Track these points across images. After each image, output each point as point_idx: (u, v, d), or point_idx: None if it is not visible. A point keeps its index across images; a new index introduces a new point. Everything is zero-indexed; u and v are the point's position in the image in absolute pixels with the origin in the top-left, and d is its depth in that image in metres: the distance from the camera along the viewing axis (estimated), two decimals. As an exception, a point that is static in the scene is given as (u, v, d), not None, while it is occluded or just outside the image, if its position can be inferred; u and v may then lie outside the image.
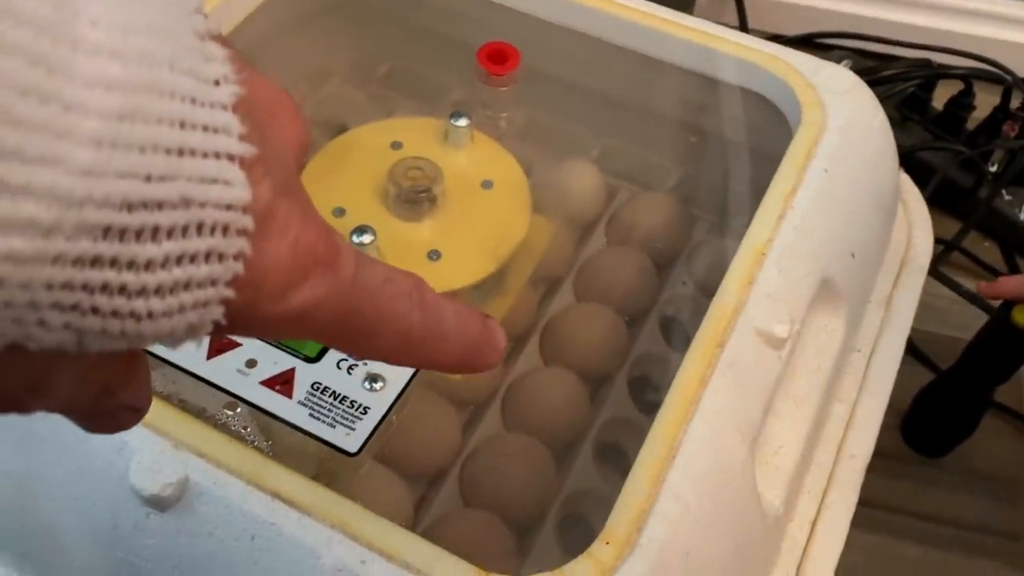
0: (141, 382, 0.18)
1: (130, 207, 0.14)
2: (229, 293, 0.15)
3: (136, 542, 0.31)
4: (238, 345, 0.37)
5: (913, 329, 0.47)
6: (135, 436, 0.31)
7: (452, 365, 0.21)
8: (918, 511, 0.54)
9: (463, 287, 0.42)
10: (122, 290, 0.14)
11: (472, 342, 0.21)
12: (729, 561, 0.33)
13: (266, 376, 0.36)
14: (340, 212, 0.43)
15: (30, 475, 0.33)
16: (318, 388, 0.36)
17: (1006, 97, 0.68)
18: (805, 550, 0.39)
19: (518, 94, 0.49)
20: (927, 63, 0.73)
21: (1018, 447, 0.57)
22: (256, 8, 0.48)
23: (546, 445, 0.41)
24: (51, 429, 0.33)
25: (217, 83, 0.15)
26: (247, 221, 0.15)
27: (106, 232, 0.14)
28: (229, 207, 0.15)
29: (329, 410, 0.36)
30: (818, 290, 0.39)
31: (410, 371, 0.37)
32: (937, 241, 0.52)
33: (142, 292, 0.14)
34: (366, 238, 0.40)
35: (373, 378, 0.37)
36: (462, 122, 0.46)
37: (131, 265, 0.14)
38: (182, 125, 0.14)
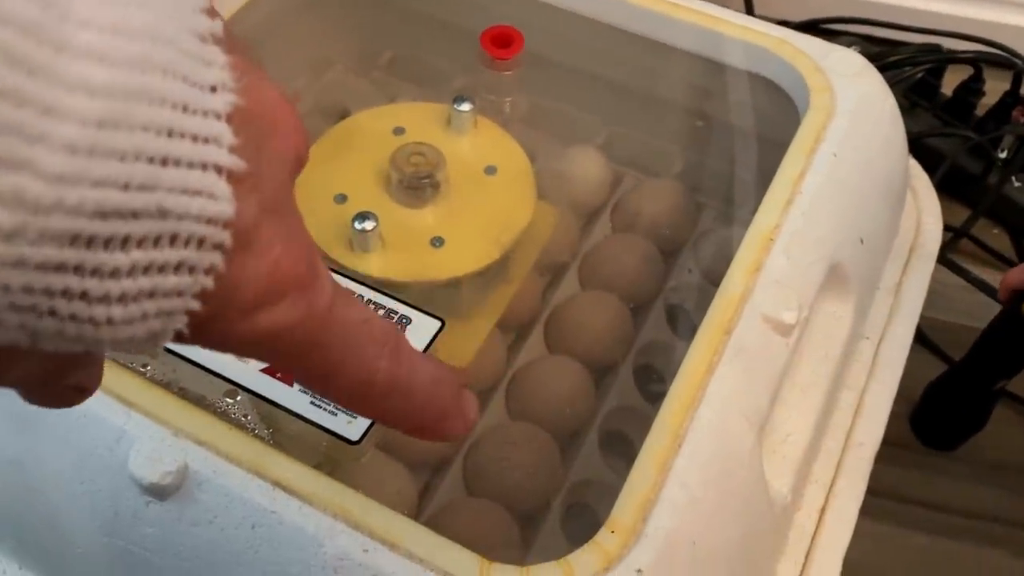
0: (93, 366, 0.17)
1: (103, 215, 0.13)
2: (195, 305, 0.15)
3: (136, 531, 0.31)
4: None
5: (921, 316, 0.47)
6: (135, 424, 0.31)
7: (412, 427, 0.20)
8: (927, 500, 0.54)
9: (466, 274, 0.41)
10: (83, 296, 0.14)
11: (440, 407, 0.20)
12: (736, 550, 0.33)
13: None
14: (342, 198, 0.43)
15: (30, 464, 0.33)
16: (320, 376, 0.36)
17: (1016, 83, 0.67)
18: (813, 539, 0.38)
19: (522, 79, 0.49)
20: (936, 48, 0.72)
21: (1028, 436, 0.57)
22: (258, -7, 0.47)
23: (551, 434, 0.41)
24: (51, 418, 0.32)
25: (214, 89, 0.14)
26: (225, 236, 0.15)
27: (73, 239, 0.13)
28: (209, 221, 0.14)
29: (331, 398, 0.35)
30: (826, 276, 0.39)
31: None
32: (946, 228, 0.51)
33: (104, 299, 0.14)
34: (368, 224, 0.40)
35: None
36: (465, 107, 0.45)
37: (95, 272, 0.13)
38: (169, 134, 0.14)
